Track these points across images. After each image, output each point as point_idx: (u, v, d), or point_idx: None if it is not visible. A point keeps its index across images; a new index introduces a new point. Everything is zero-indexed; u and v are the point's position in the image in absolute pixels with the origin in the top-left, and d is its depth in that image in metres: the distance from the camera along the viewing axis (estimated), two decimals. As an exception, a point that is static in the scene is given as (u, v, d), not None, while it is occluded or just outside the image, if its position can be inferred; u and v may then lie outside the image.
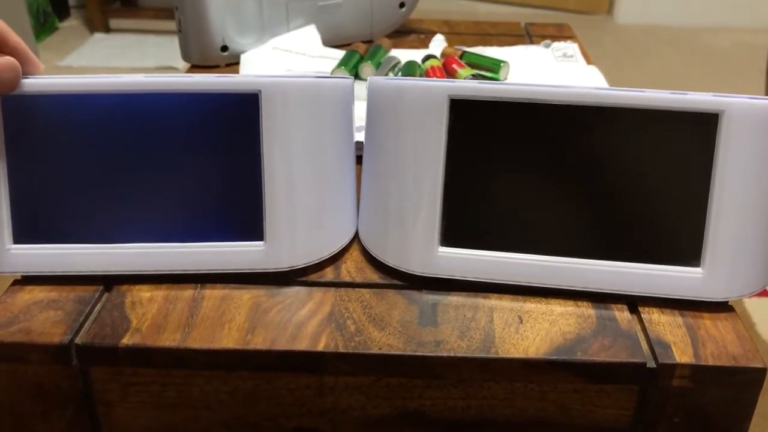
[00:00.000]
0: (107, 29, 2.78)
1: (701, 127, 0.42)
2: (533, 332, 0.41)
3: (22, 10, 1.79)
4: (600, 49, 2.62)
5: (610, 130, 0.43)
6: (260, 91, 0.43)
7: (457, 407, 0.42)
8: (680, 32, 2.87)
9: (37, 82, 0.43)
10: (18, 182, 0.44)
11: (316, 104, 0.45)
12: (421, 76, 0.73)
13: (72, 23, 2.90)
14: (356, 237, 0.50)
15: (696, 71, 2.50)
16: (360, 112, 0.54)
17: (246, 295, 0.44)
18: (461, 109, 0.43)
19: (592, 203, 0.44)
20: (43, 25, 2.71)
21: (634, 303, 0.44)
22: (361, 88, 0.71)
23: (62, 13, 2.91)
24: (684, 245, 0.43)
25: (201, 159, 0.44)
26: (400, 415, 0.43)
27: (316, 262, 0.46)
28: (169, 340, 0.40)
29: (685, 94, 0.42)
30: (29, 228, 0.44)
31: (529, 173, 0.44)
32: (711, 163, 0.42)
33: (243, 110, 0.43)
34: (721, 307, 0.44)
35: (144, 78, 0.43)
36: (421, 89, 0.44)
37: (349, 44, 0.84)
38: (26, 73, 0.43)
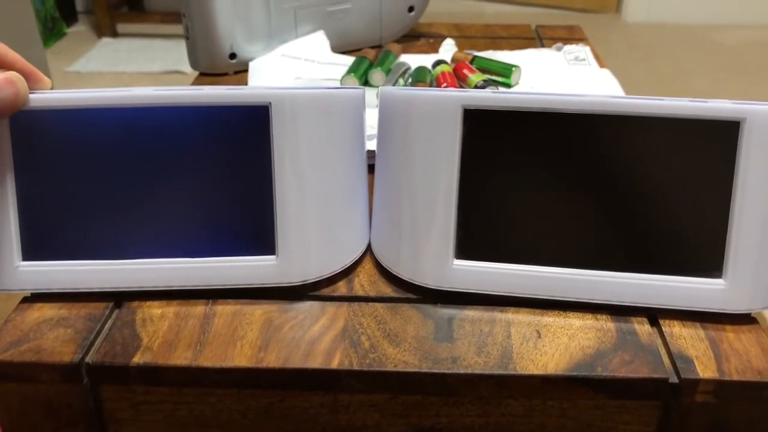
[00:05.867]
0: (115, 34, 2.78)
1: (722, 135, 0.41)
2: (552, 347, 0.41)
3: (30, 17, 1.79)
4: (608, 48, 2.61)
5: (629, 139, 0.42)
6: (270, 103, 0.42)
7: (475, 425, 0.41)
8: (689, 30, 2.84)
9: (44, 97, 0.42)
10: (26, 198, 0.43)
11: (327, 116, 0.44)
12: (431, 81, 0.72)
13: (80, 28, 2.90)
14: (368, 249, 0.49)
15: (705, 69, 2.48)
16: (371, 119, 0.53)
17: (258, 311, 0.43)
18: (475, 119, 0.42)
19: (611, 214, 0.43)
20: (51, 31, 2.72)
21: (654, 316, 0.43)
22: (371, 95, 0.71)
23: (70, 18, 2.91)
24: (705, 256, 0.42)
25: (211, 172, 0.43)
26: (417, 432, 0.42)
27: (329, 275, 0.46)
28: (181, 358, 0.40)
29: (706, 101, 0.41)
30: (38, 245, 0.44)
31: (546, 184, 0.43)
32: (732, 172, 0.41)
33: (253, 123, 0.43)
34: (744, 319, 0.43)
35: (153, 91, 0.42)
36: (434, 99, 0.43)
37: (358, 50, 0.83)
38: (30, 89, 0.42)
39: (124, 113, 0.42)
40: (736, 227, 0.42)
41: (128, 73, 2.42)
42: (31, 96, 0.42)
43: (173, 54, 2.56)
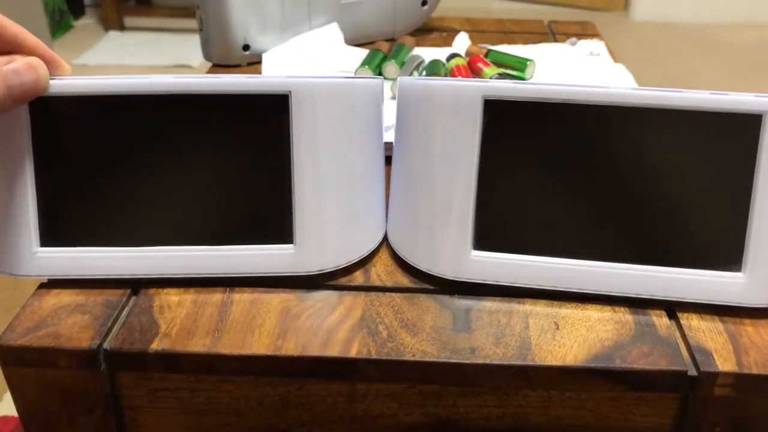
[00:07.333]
0: (122, 27, 2.78)
1: (742, 128, 0.41)
2: (570, 339, 0.40)
3: (38, 9, 1.79)
4: (616, 47, 2.60)
5: (649, 132, 0.42)
6: (290, 91, 0.42)
7: (492, 415, 0.41)
8: (697, 29, 2.84)
9: (63, 84, 0.42)
10: (44, 185, 0.43)
11: (347, 105, 0.44)
12: (446, 74, 0.72)
13: (87, 21, 2.90)
14: (385, 239, 0.49)
15: (714, 68, 2.48)
16: (386, 111, 0.53)
17: (275, 300, 0.43)
18: (495, 110, 0.42)
19: (630, 206, 0.42)
20: (58, 24, 2.72)
21: (672, 309, 0.43)
22: (385, 87, 0.70)
23: (77, 11, 2.91)
24: (724, 249, 0.42)
25: (229, 161, 0.43)
26: (433, 422, 0.42)
27: (346, 265, 0.45)
28: (199, 345, 0.40)
29: (726, 94, 0.41)
30: (56, 231, 0.44)
31: (565, 175, 0.43)
32: (753, 165, 0.41)
33: (272, 111, 0.43)
34: (763, 313, 0.43)
35: (173, 78, 0.42)
36: (454, 89, 0.43)
37: (371, 43, 0.83)
38: (50, 75, 0.42)
39: (143, 100, 0.42)
40: (756, 220, 0.41)
41: (135, 66, 2.43)
42: (51, 82, 0.42)
43: (180, 48, 2.56)
